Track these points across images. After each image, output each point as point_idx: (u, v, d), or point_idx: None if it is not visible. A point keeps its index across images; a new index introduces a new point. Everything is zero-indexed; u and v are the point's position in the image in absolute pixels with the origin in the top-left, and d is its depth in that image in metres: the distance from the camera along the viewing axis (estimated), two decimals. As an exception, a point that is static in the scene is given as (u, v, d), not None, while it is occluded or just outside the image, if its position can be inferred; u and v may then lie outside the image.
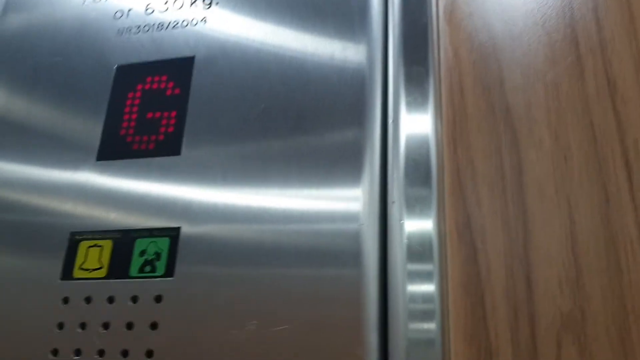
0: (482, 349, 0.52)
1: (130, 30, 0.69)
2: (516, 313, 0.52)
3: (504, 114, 0.61)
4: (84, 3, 0.73)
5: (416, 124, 0.57)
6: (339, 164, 0.53)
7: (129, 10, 0.70)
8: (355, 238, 0.51)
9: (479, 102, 0.62)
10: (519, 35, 0.64)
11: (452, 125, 0.62)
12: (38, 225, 0.60)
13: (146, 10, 0.70)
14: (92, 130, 0.64)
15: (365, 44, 0.59)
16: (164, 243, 0.54)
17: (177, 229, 0.55)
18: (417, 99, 0.58)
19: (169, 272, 0.53)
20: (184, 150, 0.59)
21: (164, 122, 0.61)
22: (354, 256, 0.50)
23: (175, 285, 0.52)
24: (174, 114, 0.62)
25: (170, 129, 0.61)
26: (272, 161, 0.55)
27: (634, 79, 0.59)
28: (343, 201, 0.52)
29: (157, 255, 0.54)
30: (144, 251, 0.55)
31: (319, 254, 0.51)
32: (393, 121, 0.55)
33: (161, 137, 0.61)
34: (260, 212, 0.54)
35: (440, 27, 0.67)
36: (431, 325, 0.50)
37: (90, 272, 0.55)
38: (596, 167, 0.56)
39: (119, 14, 0.71)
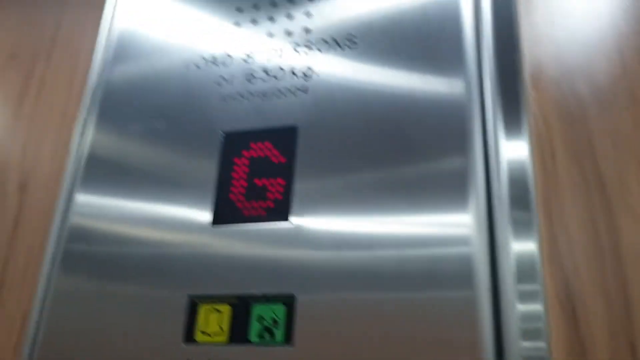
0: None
1: (234, 97, 0.73)
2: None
3: (596, 182, 0.63)
4: (188, 68, 0.78)
5: (514, 152, 0.62)
6: (446, 191, 0.59)
7: (232, 78, 0.75)
8: (467, 261, 0.55)
9: (571, 170, 0.65)
10: (607, 102, 0.66)
11: (545, 192, 0.64)
12: (158, 284, 0.65)
13: (248, 79, 0.74)
14: (204, 193, 0.68)
15: (462, 80, 0.64)
16: (279, 309, 0.58)
17: (292, 296, 0.59)
18: (514, 127, 0.63)
19: (288, 339, 0.57)
20: (293, 216, 0.63)
21: (272, 189, 0.66)
22: (467, 278, 0.54)
23: (297, 355, 0.56)
24: (281, 181, 0.66)
25: (279, 196, 0.65)
26: (383, 196, 0.61)
27: None
28: (453, 226, 0.57)
29: (275, 321, 0.58)
30: (262, 317, 0.59)
31: (434, 277, 0.56)
32: (495, 151, 0.60)
33: (271, 204, 0.65)
34: (375, 244, 0.58)
35: (529, 93, 0.70)
36: (541, 344, 0.54)
37: (212, 336, 0.59)
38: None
39: (222, 81, 0.75)
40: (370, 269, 0.58)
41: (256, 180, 0.67)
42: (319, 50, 0.73)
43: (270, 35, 0.76)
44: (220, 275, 0.63)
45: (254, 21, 0.78)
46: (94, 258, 0.69)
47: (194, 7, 0.82)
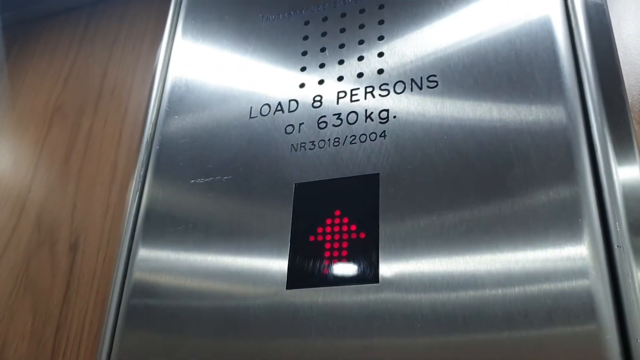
0: None
1: (304, 145, 0.68)
2: None
3: None
4: (250, 116, 0.73)
5: (629, 178, 0.56)
6: (555, 222, 0.54)
7: (301, 124, 0.70)
8: (587, 293, 0.50)
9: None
10: None
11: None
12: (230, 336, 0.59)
13: (318, 124, 0.69)
14: (279, 256, 0.63)
15: (563, 107, 0.59)
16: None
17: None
18: (626, 155, 0.57)
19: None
20: (381, 277, 0.58)
21: (356, 249, 0.60)
22: (589, 311, 0.50)
23: None
24: (363, 235, 0.60)
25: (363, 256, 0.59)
26: (485, 235, 0.56)
27: None
28: (567, 258, 0.53)
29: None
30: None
31: (553, 314, 0.51)
32: (607, 178, 0.55)
33: (355, 265, 0.59)
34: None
35: (634, 129, 0.64)
36: None
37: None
38: None
39: (290, 129, 0.70)
40: (478, 310, 0.53)
41: (336, 237, 0.61)
42: (395, 91, 0.67)
43: (340, 78, 0.71)
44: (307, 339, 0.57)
45: (322, 65, 0.73)
46: (160, 312, 0.64)
47: (254, 53, 0.78)
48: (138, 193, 0.74)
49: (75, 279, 0.91)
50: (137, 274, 0.68)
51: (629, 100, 0.65)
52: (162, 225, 0.70)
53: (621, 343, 0.48)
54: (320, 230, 0.62)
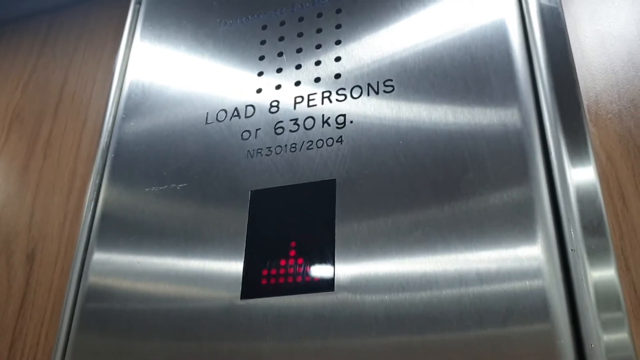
0: None
1: (260, 151, 0.67)
2: None
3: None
4: (207, 122, 0.72)
5: (582, 180, 0.56)
6: (508, 224, 0.54)
7: (257, 130, 0.69)
8: (541, 295, 0.50)
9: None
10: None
11: (620, 239, 0.58)
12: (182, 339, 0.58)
13: (275, 130, 0.68)
14: (234, 263, 0.61)
15: (517, 109, 0.59)
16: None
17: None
18: (580, 157, 0.57)
19: None
20: (337, 283, 0.57)
21: (310, 261, 0.59)
22: (542, 311, 0.50)
23: None
24: (319, 242, 0.59)
25: (313, 262, 0.58)
26: (437, 236, 0.56)
27: None
28: (521, 259, 0.52)
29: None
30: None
31: (504, 313, 0.51)
32: (560, 180, 0.55)
33: (306, 273, 0.58)
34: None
35: (588, 129, 0.64)
36: None
37: None
38: None
39: (246, 134, 0.69)
40: (432, 312, 0.53)
41: (292, 244, 0.60)
42: (352, 96, 0.67)
43: (298, 83, 0.70)
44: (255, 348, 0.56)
45: (279, 70, 0.72)
46: (115, 316, 0.64)
47: (212, 58, 0.77)
48: (93, 201, 0.72)
49: (32, 290, 0.88)
50: (91, 279, 0.67)
51: (585, 102, 0.65)
52: (117, 232, 0.68)
53: (575, 348, 0.48)
54: (275, 238, 0.61)
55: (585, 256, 0.51)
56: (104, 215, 0.70)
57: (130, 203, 0.70)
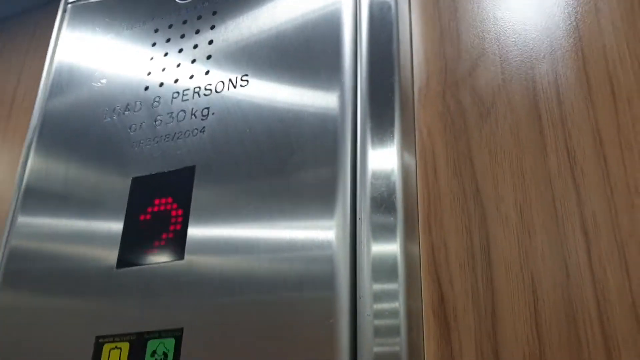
0: None
1: (141, 142, 0.78)
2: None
3: (474, 192, 0.65)
4: (105, 118, 0.83)
5: (382, 160, 0.65)
6: (316, 199, 0.64)
7: (142, 123, 0.80)
8: (329, 263, 0.60)
9: (451, 182, 0.67)
10: (486, 113, 0.68)
11: (427, 206, 0.67)
12: (68, 325, 0.70)
13: (155, 122, 0.79)
14: (113, 238, 0.73)
15: (338, 94, 0.68)
16: (170, 343, 0.62)
17: (181, 329, 0.63)
18: (382, 140, 0.67)
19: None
20: (187, 255, 0.68)
21: (170, 235, 0.70)
22: (328, 280, 0.59)
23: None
24: (179, 227, 0.70)
25: (172, 236, 0.69)
26: (260, 206, 0.67)
27: (592, 150, 0.62)
28: (317, 230, 0.62)
29: (165, 355, 0.62)
30: (155, 351, 0.63)
31: (302, 279, 0.61)
32: (361, 161, 0.65)
33: (166, 245, 0.69)
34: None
35: (415, 107, 0.72)
36: (396, 340, 0.57)
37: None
38: (558, 242, 0.60)
39: (133, 127, 0.80)
40: (247, 273, 0.64)
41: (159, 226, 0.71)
42: (216, 91, 0.77)
43: (176, 81, 0.80)
44: (122, 314, 0.67)
45: (164, 69, 0.82)
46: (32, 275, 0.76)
47: (115, 60, 0.87)
48: (23, 167, 0.85)
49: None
50: (14, 242, 0.79)
51: (417, 85, 0.73)
52: (38, 196, 0.82)
53: (351, 300, 0.58)
54: (142, 218, 0.72)
55: (369, 223, 0.61)
56: (28, 182, 0.83)
57: (48, 172, 0.82)
